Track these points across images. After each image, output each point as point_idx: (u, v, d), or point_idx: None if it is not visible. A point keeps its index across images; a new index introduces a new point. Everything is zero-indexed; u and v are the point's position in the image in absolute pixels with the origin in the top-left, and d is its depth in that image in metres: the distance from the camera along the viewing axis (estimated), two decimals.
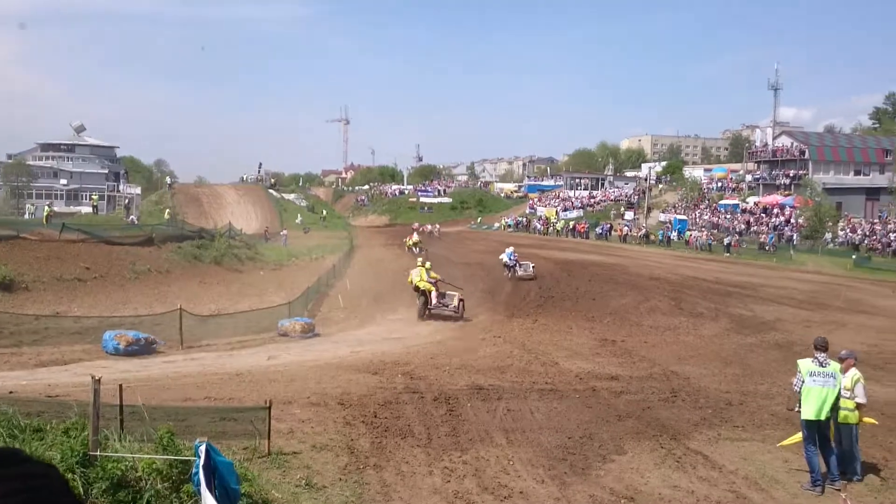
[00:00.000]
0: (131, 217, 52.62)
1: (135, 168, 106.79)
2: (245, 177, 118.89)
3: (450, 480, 9.20)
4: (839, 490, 8.99)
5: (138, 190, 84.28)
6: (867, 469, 9.86)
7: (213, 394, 13.08)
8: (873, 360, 16.84)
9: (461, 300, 24.94)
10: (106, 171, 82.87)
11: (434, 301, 24.37)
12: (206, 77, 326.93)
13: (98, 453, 7.09)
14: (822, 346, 9.58)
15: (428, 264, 26.05)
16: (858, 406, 9.57)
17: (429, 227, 70.30)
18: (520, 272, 33.72)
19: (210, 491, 5.94)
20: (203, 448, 6.26)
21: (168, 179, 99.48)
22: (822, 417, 9.24)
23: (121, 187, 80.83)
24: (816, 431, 9.38)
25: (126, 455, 7.23)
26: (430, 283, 24.82)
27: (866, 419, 10.08)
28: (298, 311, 24.20)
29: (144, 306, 25.62)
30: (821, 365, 9.40)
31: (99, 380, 7.25)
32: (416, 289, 24.88)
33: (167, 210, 61.67)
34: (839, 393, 9.38)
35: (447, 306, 24.56)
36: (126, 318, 21.72)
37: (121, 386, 9.05)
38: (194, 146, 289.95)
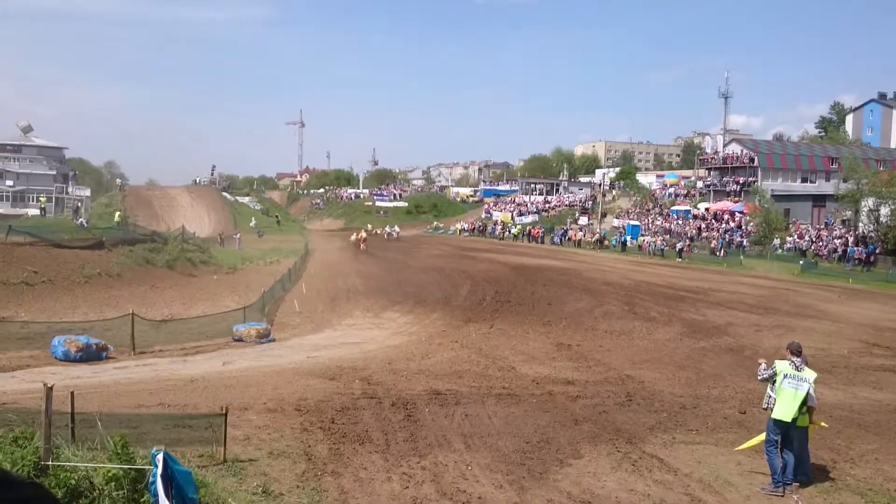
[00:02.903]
0: (81, 220, 51.42)
1: (84, 170, 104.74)
2: (198, 179, 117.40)
3: (408, 486, 9.18)
4: (792, 492, 9.19)
5: (88, 192, 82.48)
6: (817, 471, 10.10)
7: (167, 400, 12.86)
8: (821, 364, 17.22)
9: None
10: (54, 173, 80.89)
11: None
12: (159, 78, 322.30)
13: (50, 463, 6.92)
14: (797, 351, 9.83)
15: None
16: (809, 409, 9.79)
17: (387, 228, 73.99)
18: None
19: (168, 500, 5.84)
20: (160, 457, 6.15)
21: (119, 181, 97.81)
22: (790, 419, 9.47)
23: (69, 189, 78.99)
24: (782, 433, 9.60)
25: (80, 464, 7.07)
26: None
27: (817, 422, 10.31)
28: (254, 315, 23.94)
29: (95, 311, 25.09)
30: (797, 369, 9.63)
31: (51, 387, 7.08)
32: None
33: (118, 213, 60.50)
34: (806, 397, 9.60)
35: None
36: (76, 324, 21.26)
37: (72, 393, 8.85)
38: (146, 148, 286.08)
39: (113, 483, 6.77)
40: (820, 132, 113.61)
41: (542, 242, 70.57)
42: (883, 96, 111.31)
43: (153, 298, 29.37)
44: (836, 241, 50.81)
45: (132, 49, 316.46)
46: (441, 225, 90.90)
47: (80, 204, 65.68)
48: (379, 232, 72.38)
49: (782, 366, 9.71)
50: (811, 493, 9.41)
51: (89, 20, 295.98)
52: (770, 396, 9.79)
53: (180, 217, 72.81)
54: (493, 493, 9.07)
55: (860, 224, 51.80)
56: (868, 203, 49.84)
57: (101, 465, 7.02)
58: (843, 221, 56.43)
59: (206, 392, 13.86)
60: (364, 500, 8.67)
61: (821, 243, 51.71)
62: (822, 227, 57.46)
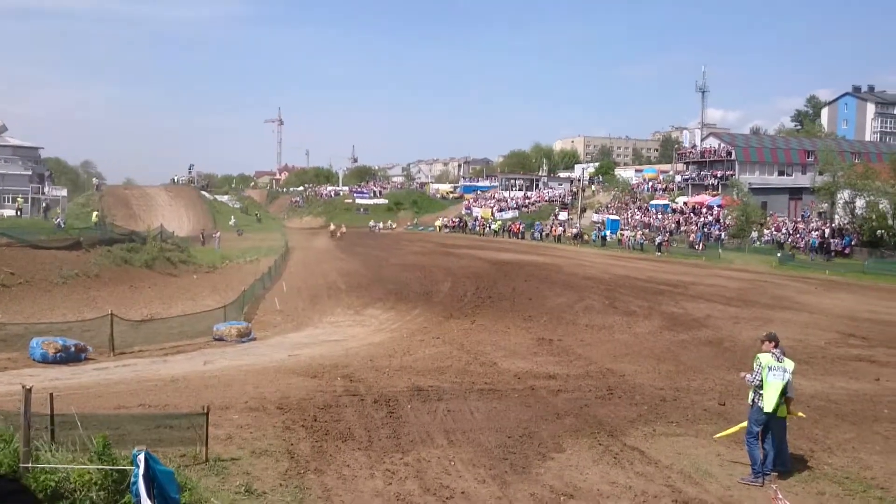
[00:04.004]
0: (58, 220, 50.83)
1: (60, 170, 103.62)
2: (176, 178, 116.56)
3: (391, 483, 9.20)
4: (771, 482, 9.30)
5: (64, 192, 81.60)
6: (795, 460, 10.22)
7: (147, 401, 12.79)
8: (799, 355, 17.39)
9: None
10: (29, 173, 79.86)
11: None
12: (136, 77, 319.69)
13: (30, 465, 6.87)
14: (776, 341, 9.96)
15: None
16: (787, 400, 9.91)
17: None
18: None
19: (150, 500, 5.82)
20: (142, 457, 6.13)
21: (95, 181, 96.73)
22: (775, 409, 9.58)
23: (45, 189, 78.07)
24: (766, 424, 9.72)
25: (59, 466, 7.02)
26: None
27: (795, 412, 10.43)
28: (234, 314, 23.85)
29: (73, 312, 24.87)
30: (778, 360, 9.75)
31: (30, 389, 7.03)
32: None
33: (95, 213, 59.82)
34: (786, 387, 9.72)
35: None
36: (54, 325, 21.05)
37: (51, 395, 8.80)
38: (123, 147, 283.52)
39: (94, 484, 6.73)
40: (796, 125, 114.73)
41: (523, 238, 70.80)
42: (857, 90, 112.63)
43: (132, 298, 29.16)
44: (812, 233, 51.36)
45: (108, 47, 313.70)
46: (420, 222, 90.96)
47: (49, 203, 64.75)
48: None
49: (766, 359, 9.80)
50: (790, 482, 9.53)
51: (65, 18, 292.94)
52: (756, 392, 9.85)
53: (159, 216, 72.20)
54: (476, 488, 9.11)
55: (836, 216, 52.40)
56: (843, 195, 50.41)
57: (82, 466, 6.98)
58: (820, 214, 57.06)
59: (187, 392, 13.81)
60: (347, 498, 8.68)
61: (797, 236, 52.23)
62: (799, 219, 58.04)
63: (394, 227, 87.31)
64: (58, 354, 17.44)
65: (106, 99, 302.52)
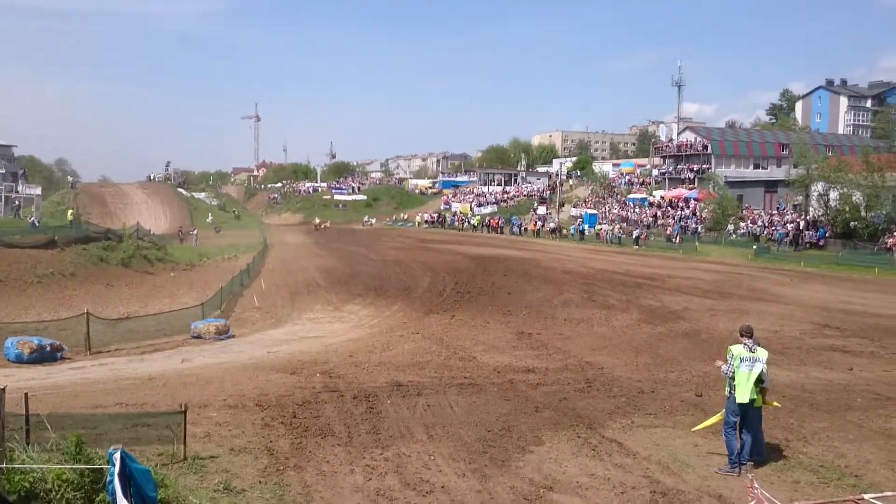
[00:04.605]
0: (32, 218, 50.22)
1: (34, 168, 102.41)
2: (152, 175, 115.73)
3: (371, 478, 9.20)
4: (747, 471, 9.39)
5: (39, 190, 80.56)
6: (771, 450, 10.34)
7: (124, 400, 12.69)
8: (774, 346, 17.57)
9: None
10: (3, 171, 78.81)
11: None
12: (111, 73, 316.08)
13: (4, 465, 6.80)
14: (749, 333, 10.04)
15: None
16: (763, 390, 10.01)
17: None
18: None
19: (126, 499, 5.79)
20: (118, 455, 6.08)
21: (70, 179, 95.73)
22: (748, 400, 9.69)
23: (19, 188, 77.10)
24: (741, 415, 9.82)
25: (34, 466, 6.96)
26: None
27: (770, 402, 10.55)
28: (212, 312, 23.72)
29: (48, 311, 24.62)
30: (750, 350, 9.84)
31: (3, 389, 6.95)
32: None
33: (70, 211, 59.20)
34: (761, 376, 9.82)
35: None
36: (29, 324, 20.85)
37: (26, 395, 8.71)
38: (98, 145, 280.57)
39: (68, 484, 6.67)
40: (771, 119, 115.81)
41: (502, 233, 70.99)
42: (830, 83, 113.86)
43: (109, 297, 28.91)
44: (787, 225, 51.87)
45: (83, 44, 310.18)
46: (399, 218, 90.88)
47: (21, 202, 63.84)
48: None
49: (737, 350, 9.91)
50: (766, 471, 9.64)
51: (37, 14, 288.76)
52: (730, 383, 9.95)
53: (135, 214, 71.72)
54: (456, 482, 9.13)
55: (811, 208, 52.96)
56: (818, 188, 50.96)
57: (57, 466, 6.91)
58: (795, 206, 57.61)
59: (165, 390, 13.71)
60: (327, 494, 8.67)
61: (773, 228, 52.73)
62: (774, 212, 58.58)
63: (373, 222, 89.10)
64: (33, 354, 17.25)
65: (81, 96, 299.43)
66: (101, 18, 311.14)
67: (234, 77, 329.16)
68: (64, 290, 29.30)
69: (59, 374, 16.02)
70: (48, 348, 17.70)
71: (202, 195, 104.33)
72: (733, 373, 9.81)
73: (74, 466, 6.81)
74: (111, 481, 6.10)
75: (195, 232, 59.24)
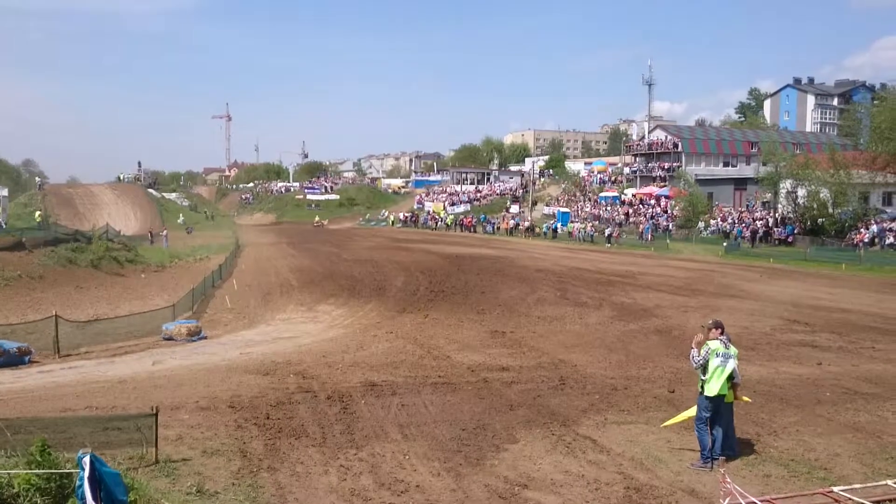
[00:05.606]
0: None
1: (0, 169, 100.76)
2: (122, 176, 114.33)
3: (346, 478, 9.16)
4: (719, 466, 9.48)
5: (5, 192, 79.27)
6: (742, 444, 10.45)
7: (94, 403, 12.53)
8: (744, 342, 17.82)
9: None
10: None
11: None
12: (79, 72, 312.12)
13: None
14: (720, 327, 10.15)
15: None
16: (734, 385, 10.12)
17: (316, 219, 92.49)
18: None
19: (97, 503, 5.71)
20: (87, 459, 5.99)
21: (38, 180, 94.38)
22: (720, 394, 9.79)
23: None
24: (714, 410, 9.91)
25: (0, 472, 6.83)
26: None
27: (741, 397, 10.66)
28: (184, 313, 23.49)
29: (16, 314, 24.25)
30: (725, 346, 9.95)
31: None
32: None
33: (38, 212, 58.36)
34: (733, 373, 9.92)
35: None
36: None
37: None
38: (66, 145, 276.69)
39: (35, 489, 6.55)
40: (740, 117, 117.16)
41: (475, 231, 71.10)
42: (798, 81, 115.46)
43: (78, 299, 28.53)
44: (757, 223, 52.50)
45: (50, 42, 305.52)
46: (372, 217, 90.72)
47: None
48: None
49: (715, 345, 9.99)
50: (737, 465, 9.73)
51: (2, 11, 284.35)
52: (702, 377, 10.03)
53: (104, 215, 70.76)
54: (431, 481, 9.12)
55: (779, 205, 53.65)
56: (786, 185, 51.66)
57: (23, 471, 6.80)
58: (764, 203, 58.34)
59: (136, 393, 13.55)
60: (301, 494, 8.62)
61: (743, 225, 53.35)
62: (744, 209, 59.28)
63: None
64: (0, 358, 16.96)
65: (49, 95, 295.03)
66: (69, 16, 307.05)
67: (205, 76, 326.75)
68: (32, 292, 28.86)
69: (27, 377, 15.76)
70: (15, 352, 17.40)
71: (173, 195, 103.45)
72: (706, 363, 9.89)
73: (43, 471, 6.71)
74: (80, 486, 6.01)
75: (165, 233, 58.67)
